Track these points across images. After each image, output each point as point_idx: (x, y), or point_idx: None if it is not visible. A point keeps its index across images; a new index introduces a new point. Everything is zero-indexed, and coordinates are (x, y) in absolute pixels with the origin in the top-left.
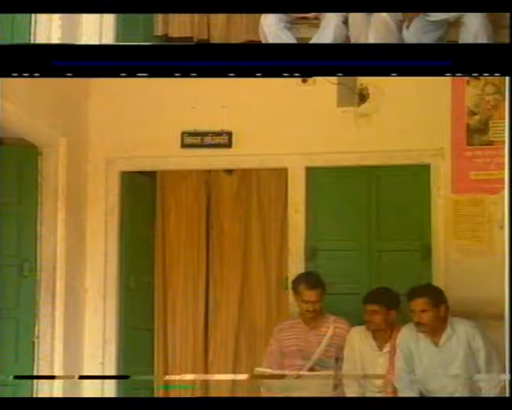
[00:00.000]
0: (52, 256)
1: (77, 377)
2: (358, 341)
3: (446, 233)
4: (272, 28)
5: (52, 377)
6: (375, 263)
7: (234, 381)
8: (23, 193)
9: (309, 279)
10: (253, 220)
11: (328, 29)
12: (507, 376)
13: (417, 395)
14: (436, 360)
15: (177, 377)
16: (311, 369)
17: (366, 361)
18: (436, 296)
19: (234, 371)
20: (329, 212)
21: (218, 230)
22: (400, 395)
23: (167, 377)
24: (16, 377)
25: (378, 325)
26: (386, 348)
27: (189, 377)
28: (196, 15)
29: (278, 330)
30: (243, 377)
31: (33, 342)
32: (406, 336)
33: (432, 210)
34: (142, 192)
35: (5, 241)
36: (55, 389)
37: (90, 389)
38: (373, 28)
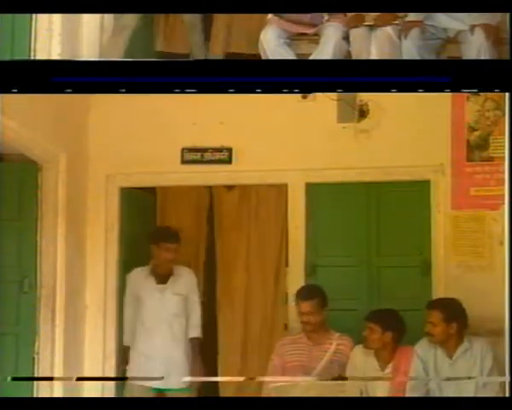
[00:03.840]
0: (52, 272)
1: (74, 378)
2: (361, 360)
3: (446, 249)
4: (272, 44)
5: (50, 379)
6: (375, 279)
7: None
8: (23, 209)
9: (304, 291)
10: (254, 236)
11: (327, 45)
12: (507, 377)
13: None
14: (448, 373)
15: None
16: (312, 385)
17: (368, 381)
18: (450, 312)
19: (235, 387)
20: (329, 228)
21: (218, 245)
22: None
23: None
24: (15, 379)
25: (373, 344)
26: (388, 369)
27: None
28: None
29: (281, 345)
30: (240, 378)
31: (33, 358)
32: (424, 345)
33: (432, 226)
34: (142, 208)
35: (5, 256)
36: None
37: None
38: (376, 42)
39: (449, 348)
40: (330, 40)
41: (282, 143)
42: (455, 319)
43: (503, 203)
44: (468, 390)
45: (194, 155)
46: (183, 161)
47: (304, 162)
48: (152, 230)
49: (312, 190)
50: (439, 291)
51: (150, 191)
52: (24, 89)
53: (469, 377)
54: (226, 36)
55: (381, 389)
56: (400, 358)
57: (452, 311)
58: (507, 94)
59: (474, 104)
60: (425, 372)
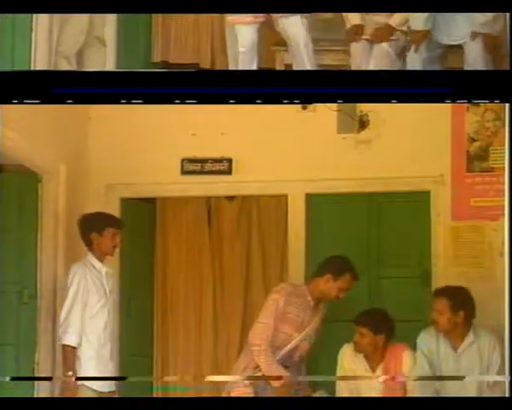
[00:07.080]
0: (52, 283)
1: (74, 378)
2: (350, 361)
3: (446, 260)
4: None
5: (49, 379)
6: (376, 289)
7: None
8: (23, 220)
9: (355, 270)
10: (254, 247)
11: None
12: (506, 377)
13: None
14: (453, 366)
15: (176, 378)
16: (300, 343)
17: (359, 382)
18: (458, 301)
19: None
20: (329, 238)
21: (218, 256)
22: None
23: (166, 378)
24: (14, 379)
25: (364, 348)
26: (379, 371)
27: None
28: (199, 42)
29: (289, 293)
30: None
31: (33, 368)
32: (426, 337)
33: (432, 237)
34: (142, 219)
35: (5, 267)
36: None
37: None
38: (374, 58)
39: (454, 339)
40: None
41: (283, 153)
42: (462, 308)
43: (503, 214)
44: (472, 385)
45: (195, 166)
46: (183, 172)
47: (304, 173)
48: (88, 216)
49: (312, 200)
50: None
51: (150, 202)
52: (24, 99)
53: (468, 376)
54: None
55: (372, 391)
56: (390, 357)
57: (460, 299)
58: (507, 105)
59: (474, 115)
60: (428, 366)
